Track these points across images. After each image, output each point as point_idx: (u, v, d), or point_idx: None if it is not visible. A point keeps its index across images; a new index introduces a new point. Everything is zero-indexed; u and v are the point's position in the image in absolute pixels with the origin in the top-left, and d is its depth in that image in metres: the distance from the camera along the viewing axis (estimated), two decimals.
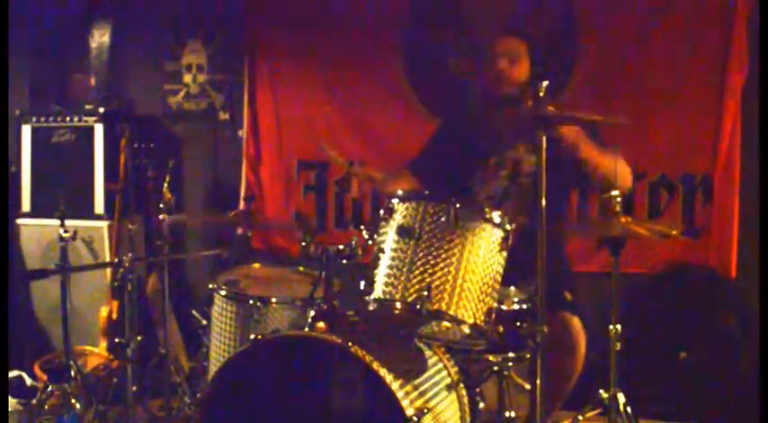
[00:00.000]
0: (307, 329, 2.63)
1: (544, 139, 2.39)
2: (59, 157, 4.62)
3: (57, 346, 4.42)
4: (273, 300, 3.03)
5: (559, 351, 2.89)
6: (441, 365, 2.66)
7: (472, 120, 3.39)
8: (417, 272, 2.37)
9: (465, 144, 3.25)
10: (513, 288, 2.68)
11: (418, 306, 2.33)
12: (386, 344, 2.54)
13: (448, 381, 2.61)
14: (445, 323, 2.52)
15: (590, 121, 2.85)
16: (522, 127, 3.02)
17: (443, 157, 3.31)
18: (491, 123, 3.22)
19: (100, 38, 5.05)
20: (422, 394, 2.42)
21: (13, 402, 3.86)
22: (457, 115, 3.75)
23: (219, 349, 3.10)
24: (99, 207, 4.52)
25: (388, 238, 2.45)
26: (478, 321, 2.39)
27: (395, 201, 2.50)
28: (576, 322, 3.01)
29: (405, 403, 2.28)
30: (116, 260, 3.41)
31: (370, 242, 2.56)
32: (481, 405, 2.72)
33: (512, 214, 2.50)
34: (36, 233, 4.60)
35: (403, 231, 2.42)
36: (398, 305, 2.38)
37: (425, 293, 2.33)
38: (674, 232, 2.91)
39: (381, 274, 2.42)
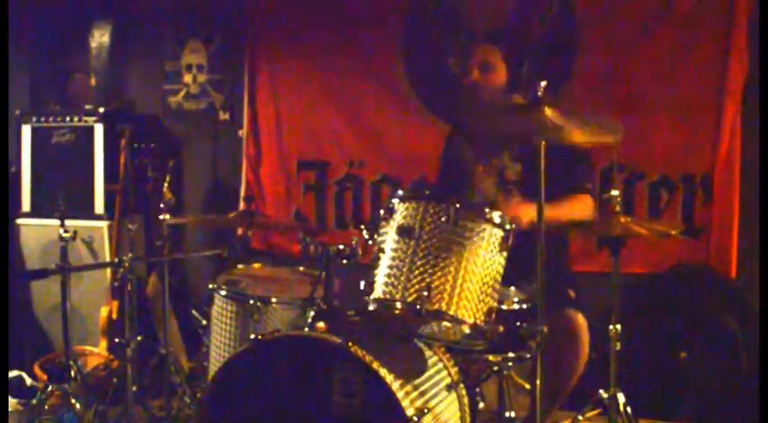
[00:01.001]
0: (307, 329, 2.63)
1: (543, 144, 2.39)
2: (59, 157, 4.62)
3: (57, 346, 4.42)
4: (273, 300, 3.03)
5: (564, 347, 2.90)
6: (441, 365, 2.66)
7: (467, 125, 3.40)
8: (417, 272, 2.37)
9: (463, 149, 3.26)
10: (513, 288, 2.68)
11: (418, 306, 2.34)
12: (386, 344, 2.54)
13: (448, 381, 2.61)
14: (445, 323, 2.52)
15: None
16: (505, 134, 3.01)
17: (449, 163, 3.32)
18: (480, 130, 3.23)
19: (100, 38, 5.05)
20: (422, 394, 2.42)
21: (13, 402, 3.86)
22: (459, 121, 3.76)
23: (219, 349, 3.10)
24: (99, 207, 4.52)
25: (388, 238, 2.46)
26: (478, 321, 2.40)
27: (395, 201, 2.50)
28: (580, 319, 3.01)
29: (405, 403, 2.28)
30: (116, 260, 3.41)
31: (370, 242, 2.56)
32: (481, 405, 2.72)
33: None
34: (36, 233, 4.60)
35: (403, 231, 2.42)
36: (398, 305, 2.38)
37: (425, 293, 2.33)
38: (674, 232, 2.91)
39: (381, 274, 2.42)
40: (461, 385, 2.64)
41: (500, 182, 3.20)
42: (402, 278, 2.37)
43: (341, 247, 2.68)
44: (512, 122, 2.69)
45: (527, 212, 2.82)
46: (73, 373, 3.46)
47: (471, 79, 3.14)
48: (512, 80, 3.22)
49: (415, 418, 2.27)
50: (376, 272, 2.43)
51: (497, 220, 2.45)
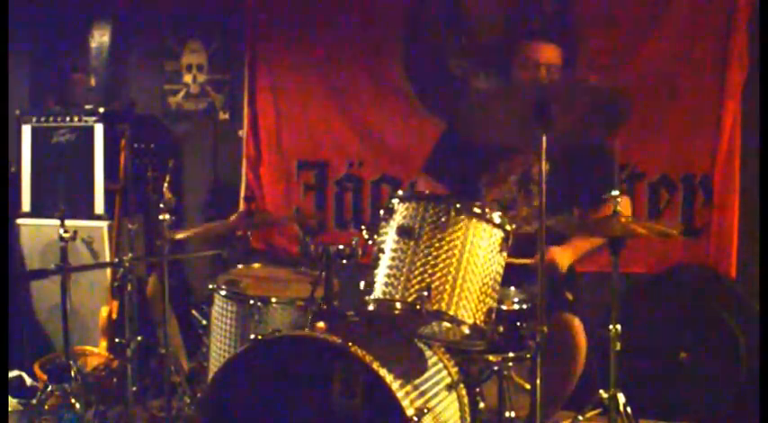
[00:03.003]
0: (307, 329, 2.63)
1: (544, 138, 2.39)
2: (59, 157, 4.62)
3: (57, 346, 4.43)
4: (273, 300, 3.03)
5: (560, 352, 2.89)
6: (441, 365, 2.65)
7: (476, 121, 3.38)
8: (417, 272, 2.36)
9: (470, 146, 3.24)
10: (513, 288, 2.68)
11: (418, 306, 2.33)
12: (386, 344, 2.54)
13: (448, 381, 2.61)
14: (445, 323, 2.52)
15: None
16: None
17: (450, 159, 3.31)
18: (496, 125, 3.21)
19: (100, 38, 5.05)
20: (422, 394, 2.41)
21: (13, 402, 3.86)
22: (460, 117, 3.75)
23: (219, 349, 3.10)
24: (99, 207, 4.52)
25: (388, 238, 2.45)
26: (478, 321, 2.39)
27: (395, 201, 2.50)
28: (576, 323, 3.01)
29: (405, 403, 2.28)
30: (116, 260, 3.41)
31: (370, 242, 2.56)
32: (481, 405, 2.72)
33: (519, 222, 2.49)
34: (36, 233, 4.60)
35: (403, 231, 2.42)
36: (398, 305, 2.37)
37: (425, 293, 2.33)
38: (674, 232, 2.91)
39: (381, 274, 2.42)
40: (461, 385, 2.63)
41: (523, 180, 3.18)
42: (402, 278, 2.37)
43: (341, 247, 2.68)
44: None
45: (564, 257, 2.86)
46: (73, 373, 3.46)
47: (538, 77, 3.06)
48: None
49: (415, 418, 2.27)
50: (376, 272, 2.43)
51: (497, 221, 2.45)
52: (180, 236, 3.43)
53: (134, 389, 3.37)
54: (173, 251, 3.64)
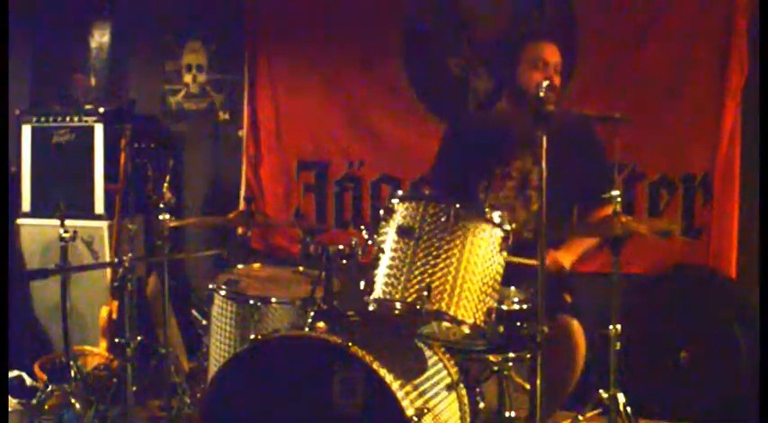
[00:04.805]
0: (307, 329, 2.63)
1: (545, 139, 2.39)
2: (59, 157, 4.62)
3: (57, 346, 4.42)
4: (273, 300, 3.03)
5: (559, 354, 2.89)
6: (441, 365, 2.66)
7: (476, 123, 3.38)
8: (417, 272, 2.37)
9: (469, 149, 3.24)
10: (513, 288, 2.68)
11: (418, 306, 2.33)
12: (386, 344, 2.54)
13: (448, 381, 2.61)
14: (445, 323, 2.52)
15: (587, 116, 2.83)
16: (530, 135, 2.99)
17: (451, 162, 3.31)
18: (498, 127, 3.21)
19: (100, 38, 5.05)
20: (422, 394, 2.41)
21: (13, 402, 3.86)
22: (460, 119, 3.74)
23: (219, 349, 3.10)
24: (99, 207, 4.52)
25: (388, 238, 2.45)
26: (478, 321, 2.39)
27: (395, 201, 2.50)
28: (575, 325, 3.01)
29: (405, 403, 2.28)
30: (116, 260, 3.41)
31: (370, 242, 2.56)
32: (481, 405, 2.72)
33: (517, 227, 2.49)
34: (36, 233, 4.60)
35: (403, 231, 2.42)
36: (398, 305, 2.38)
37: (425, 293, 2.33)
38: (675, 227, 2.91)
39: (381, 274, 2.42)
40: (461, 385, 2.63)
41: (521, 186, 3.18)
42: (402, 278, 2.37)
43: (341, 247, 2.68)
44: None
45: (566, 258, 2.97)
46: (73, 373, 3.46)
47: (550, 81, 2.69)
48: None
49: (415, 418, 2.27)
50: (376, 272, 2.43)
51: (497, 220, 2.45)
52: (175, 224, 3.44)
53: (134, 389, 3.37)
54: (173, 251, 3.65)
